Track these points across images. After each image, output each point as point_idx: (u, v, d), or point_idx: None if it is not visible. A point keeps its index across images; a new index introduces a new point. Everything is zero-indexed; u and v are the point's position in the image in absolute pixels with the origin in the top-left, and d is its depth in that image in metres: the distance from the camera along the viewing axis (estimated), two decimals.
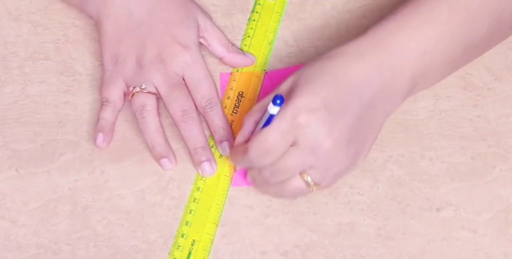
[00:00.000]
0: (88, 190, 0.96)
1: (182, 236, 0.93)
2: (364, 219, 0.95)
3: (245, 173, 0.96)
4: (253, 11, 1.08)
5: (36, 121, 0.99)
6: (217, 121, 0.98)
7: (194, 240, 0.93)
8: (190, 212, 0.95)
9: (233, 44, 1.04)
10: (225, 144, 0.97)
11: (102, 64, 0.99)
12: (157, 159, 0.96)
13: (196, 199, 0.96)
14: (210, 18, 1.04)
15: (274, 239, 0.93)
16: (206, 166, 0.96)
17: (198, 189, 0.96)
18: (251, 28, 1.07)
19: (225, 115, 0.99)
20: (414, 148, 0.98)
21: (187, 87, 0.98)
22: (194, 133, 0.96)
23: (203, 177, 0.97)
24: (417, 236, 0.94)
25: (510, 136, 0.99)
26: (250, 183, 0.95)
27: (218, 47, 1.03)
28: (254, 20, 1.08)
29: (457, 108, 1.00)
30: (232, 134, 0.98)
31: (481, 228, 0.94)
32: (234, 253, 0.93)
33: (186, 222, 0.94)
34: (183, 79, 0.98)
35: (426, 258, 0.93)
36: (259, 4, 1.09)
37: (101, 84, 0.98)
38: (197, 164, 0.96)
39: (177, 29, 0.99)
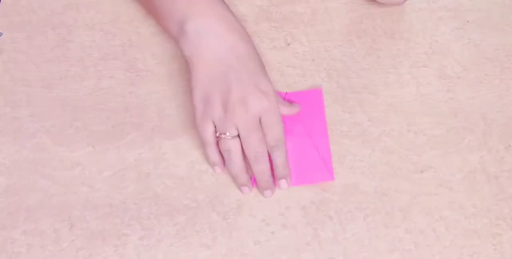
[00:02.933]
0: (149, 161, 0.92)
1: None
2: (365, 180, 0.91)
3: None
4: None
5: (107, 108, 0.96)
6: (280, 160, 0.90)
7: None
8: None
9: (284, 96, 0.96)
10: (283, 181, 0.90)
11: (191, 102, 0.91)
12: (239, 186, 0.90)
13: None
14: None
15: (295, 197, 0.90)
16: (268, 192, 0.89)
17: None
18: None
19: (286, 156, 0.91)
20: (402, 124, 0.95)
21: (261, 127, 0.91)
22: (264, 170, 0.89)
23: None
24: (405, 192, 0.90)
25: (476, 113, 0.95)
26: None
27: None
28: None
29: (435, 93, 0.97)
30: (289, 172, 0.91)
31: (455, 185, 0.91)
32: (264, 208, 0.89)
33: None
34: (260, 120, 0.90)
35: (413, 209, 0.89)
36: None
37: (195, 120, 0.90)
38: (261, 189, 0.89)
39: (259, 78, 0.89)
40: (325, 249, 0.87)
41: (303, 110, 0.94)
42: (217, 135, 0.89)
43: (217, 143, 0.89)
